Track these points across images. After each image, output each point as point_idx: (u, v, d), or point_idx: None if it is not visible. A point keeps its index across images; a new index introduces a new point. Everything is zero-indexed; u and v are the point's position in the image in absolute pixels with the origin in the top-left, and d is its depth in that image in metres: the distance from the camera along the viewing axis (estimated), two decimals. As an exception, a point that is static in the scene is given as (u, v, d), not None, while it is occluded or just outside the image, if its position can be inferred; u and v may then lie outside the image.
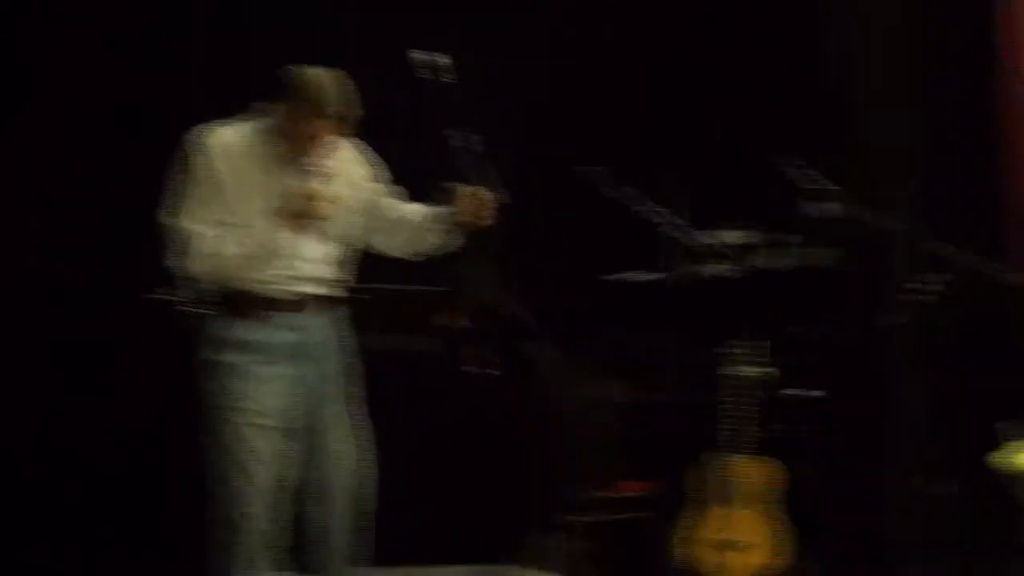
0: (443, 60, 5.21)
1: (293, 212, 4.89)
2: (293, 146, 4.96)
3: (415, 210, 5.37)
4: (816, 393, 6.87)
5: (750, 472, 6.39)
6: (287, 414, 5.04)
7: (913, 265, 5.81)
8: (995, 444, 5.80)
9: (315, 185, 4.94)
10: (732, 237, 7.67)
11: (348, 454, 5.21)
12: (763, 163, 7.64)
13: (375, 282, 5.88)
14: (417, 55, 5.21)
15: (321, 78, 4.91)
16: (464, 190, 5.20)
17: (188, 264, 4.90)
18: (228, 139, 4.96)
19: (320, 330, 5.13)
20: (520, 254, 7.28)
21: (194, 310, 5.79)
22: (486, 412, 7.11)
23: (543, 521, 7.19)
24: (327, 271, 5.12)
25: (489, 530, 7.90)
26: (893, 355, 6.46)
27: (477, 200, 5.17)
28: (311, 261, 5.07)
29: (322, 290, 5.12)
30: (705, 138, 7.75)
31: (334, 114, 4.89)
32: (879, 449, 6.64)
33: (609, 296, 7.70)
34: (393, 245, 5.39)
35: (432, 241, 5.37)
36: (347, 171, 5.22)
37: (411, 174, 5.55)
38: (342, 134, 5.00)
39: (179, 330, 5.72)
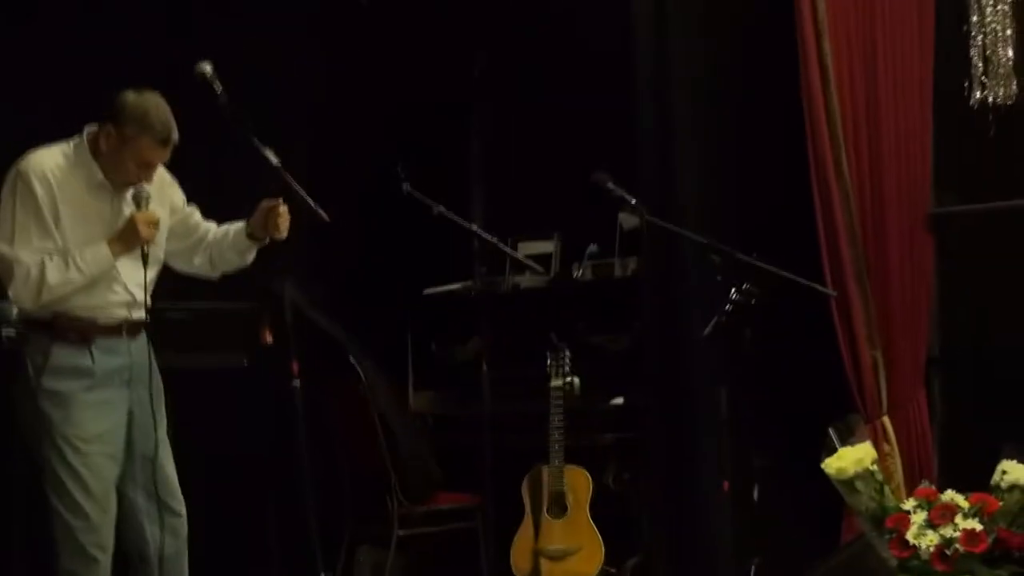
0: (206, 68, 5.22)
1: (129, 236, 4.95)
2: (122, 172, 5.00)
3: (217, 229, 5.44)
4: (618, 401, 7.05)
5: (563, 480, 6.53)
6: (111, 439, 5.04)
7: (720, 276, 5.90)
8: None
9: (144, 210, 5.00)
10: (536, 248, 7.88)
11: (174, 475, 5.26)
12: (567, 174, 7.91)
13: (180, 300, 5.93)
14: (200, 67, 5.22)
15: (147, 101, 4.96)
16: (261, 205, 5.28)
17: (14, 292, 4.87)
18: (53, 164, 4.96)
19: (140, 352, 5.15)
20: (330, 267, 7.42)
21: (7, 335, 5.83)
22: (301, 427, 7.18)
23: (361, 535, 7.29)
24: (141, 295, 5.13)
25: (308, 546, 8.02)
26: (700, 363, 6.68)
27: (272, 213, 5.26)
28: (132, 286, 5.09)
29: (141, 314, 5.13)
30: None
31: (162, 138, 4.95)
32: (682, 454, 6.86)
33: (420, 308, 7.85)
34: (196, 264, 5.44)
35: (232, 260, 5.44)
36: (165, 194, 5.26)
37: (209, 190, 5.64)
38: (165, 157, 5.04)
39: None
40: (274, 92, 7.32)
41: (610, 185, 6.02)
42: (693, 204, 6.81)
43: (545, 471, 6.55)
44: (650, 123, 6.98)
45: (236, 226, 5.40)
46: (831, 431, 6.01)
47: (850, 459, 5.57)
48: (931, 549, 5.32)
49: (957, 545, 5.29)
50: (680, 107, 6.95)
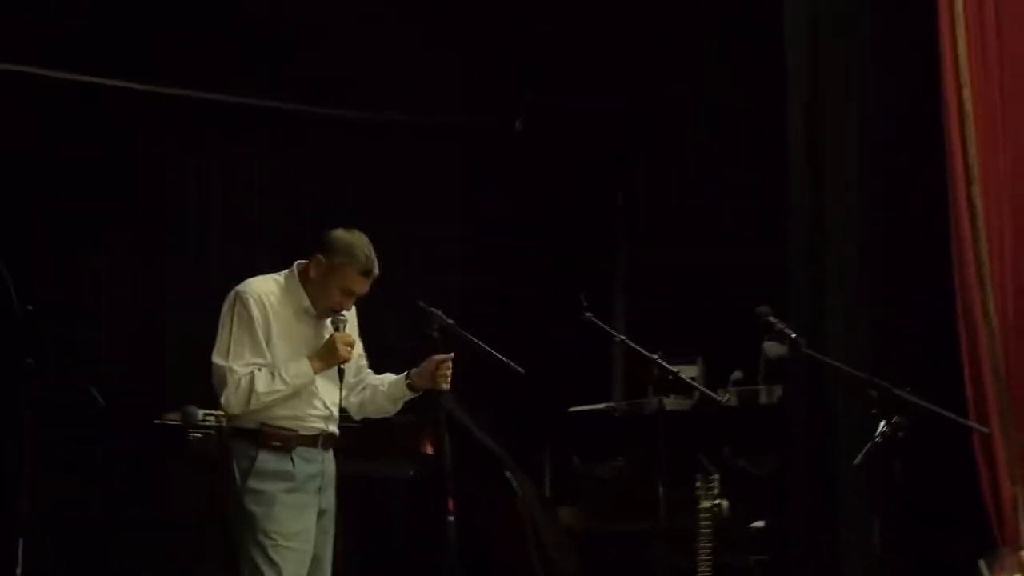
0: None
1: (328, 354, 5.44)
2: (327, 298, 5.52)
3: (374, 376, 5.89)
4: (759, 524, 7.29)
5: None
6: (306, 537, 5.43)
7: (876, 409, 6.15)
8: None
9: (345, 333, 5.51)
10: (688, 370, 8.18)
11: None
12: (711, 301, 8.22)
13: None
14: None
15: (355, 237, 5.55)
16: (432, 358, 5.74)
17: (225, 399, 5.29)
18: (268, 290, 5.51)
19: (330, 462, 5.56)
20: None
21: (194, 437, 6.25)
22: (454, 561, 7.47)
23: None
24: (336, 411, 5.54)
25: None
26: (845, 491, 6.94)
27: (443, 368, 5.73)
28: (328, 402, 5.51)
29: (332, 428, 5.54)
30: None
31: (365, 270, 5.49)
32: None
33: (562, 424, 8.16)
34: (350, 402, 5.85)
35: (384, 407, 5.90)
36: (355, 330, 5.76)
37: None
38: (365, 289, 5.50)
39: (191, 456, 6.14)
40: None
41: (771, 319, 6.30)
42: (842, 336, 7.07)
43: (697, 587, 6.77)
44: (802, 260, 7.30)
45: (394, 377, 5.86)
46: (982, 563, 6.22)
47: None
48: None
49: None
50: (832, 237, 7.27)
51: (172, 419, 6.63)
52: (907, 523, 6.39)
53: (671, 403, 8.06)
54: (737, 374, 7.62)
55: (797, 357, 6.84)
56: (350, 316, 5.72)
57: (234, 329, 5.39)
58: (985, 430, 6.61)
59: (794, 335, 6.30)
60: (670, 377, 6.25)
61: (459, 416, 7.16)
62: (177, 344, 7.83)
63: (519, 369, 5.83)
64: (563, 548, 7.54)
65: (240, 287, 5.48)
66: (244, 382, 5.33)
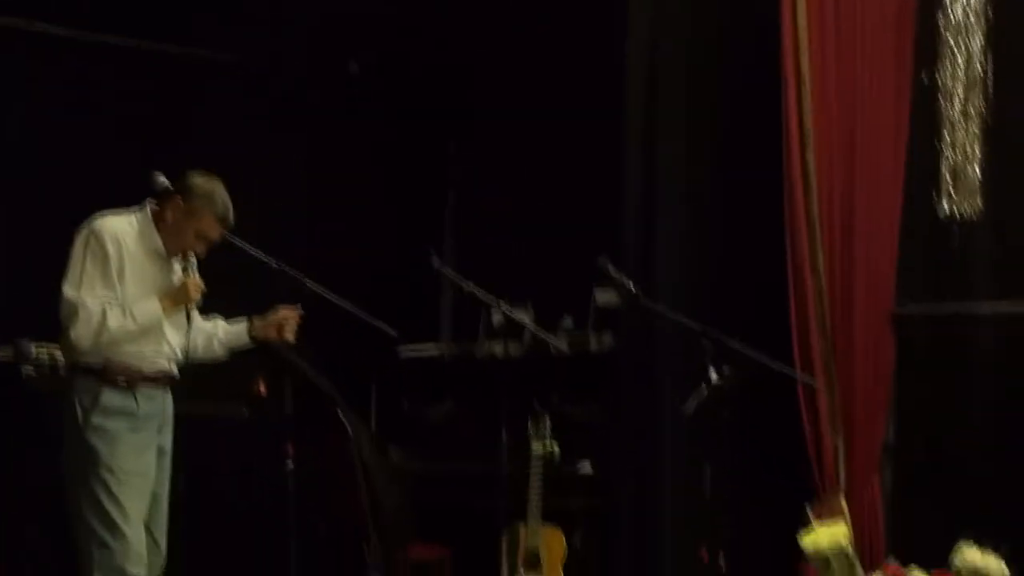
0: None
1: (179, 296, 5.50)
2: (181, 241, 5.55)
3: (203, 321, 5.93)
4: (586, 468, 7.44)
5: (540, 539, 6.91)
6: (147, 474, 5.42)
7: (710, 360, 6.32)
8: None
9: (192, 277, 5.57)
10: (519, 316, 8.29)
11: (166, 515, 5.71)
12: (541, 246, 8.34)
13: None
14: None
15: (216, 185, 5.60)
16: (280, 312, 5.91)
17: (75, 332, 5.24)
18: (123, 230, 5.51)
19: (169, 403, 5.59)
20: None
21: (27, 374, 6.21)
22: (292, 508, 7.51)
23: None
24: (180, 353, 5.56)
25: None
26: (671, 437, 7.13)
27: (292, 321, 5.89)
28: (172, 343, 5.50)
29: (174, 368, 5.57)
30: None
31: (222, 216, 5.58)
32: (646, 522, 7.28)
33: (399, 368, 8.21)
34: (189, 351, 5.83)
35: (216, 352, 5.99)
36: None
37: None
38: (218, 236, 5.52)
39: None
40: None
41: (610, 269, 6.42)
42: (671, 286, 7.22)
43: (522, 529, 6.89)
44: (635, 205, 7.44)
45: (232, 326, 5.94)
46: (807, 507, 6.45)
47: (826, 537, 5.98)
48: (898, 625, 5.76)
49: (923, 622, 5.73)
50: (663, 192, 7.42)
51: (3, 354, 6.52)
52: (735, 470, 6.59)
53: (501, 348, 8.21)
54: (567, 320, 7.72)
55: (630, 306, 6.95)
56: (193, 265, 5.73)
57: (87, 264, 5.38)
58: (814, 383, 6.83)
59: (632, 286, 6.43)
60: (517, 323, 6.29)
61: (292, 356, 7.17)
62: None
63: (391, 331, 6.14)
64: (392, 490, 7.61)
65: (95, 223, 5.47)
66: (96, 317, 5.33)
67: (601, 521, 7.34)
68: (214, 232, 5.56)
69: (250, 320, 5.90)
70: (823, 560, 5.95)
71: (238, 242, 5.72)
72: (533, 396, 6.73)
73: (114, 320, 5.34)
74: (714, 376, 6.42)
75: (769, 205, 7.17)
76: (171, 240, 5.55)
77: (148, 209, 5.58)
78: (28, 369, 6.50)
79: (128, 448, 5.42)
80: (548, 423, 6.94)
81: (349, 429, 7.38)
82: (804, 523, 6.37)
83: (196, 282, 5.57)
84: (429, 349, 8.46)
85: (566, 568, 7.01)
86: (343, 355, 7.92)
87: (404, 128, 9.13)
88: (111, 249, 5.40)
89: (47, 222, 6.43)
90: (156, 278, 5.55)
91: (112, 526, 5.33)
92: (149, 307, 5.44)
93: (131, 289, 5.43)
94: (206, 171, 5.64)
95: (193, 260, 5.61)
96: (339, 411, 7.33)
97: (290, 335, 5.89)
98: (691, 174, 7.44)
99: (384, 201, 9.19)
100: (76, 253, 5.41)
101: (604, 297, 7.84)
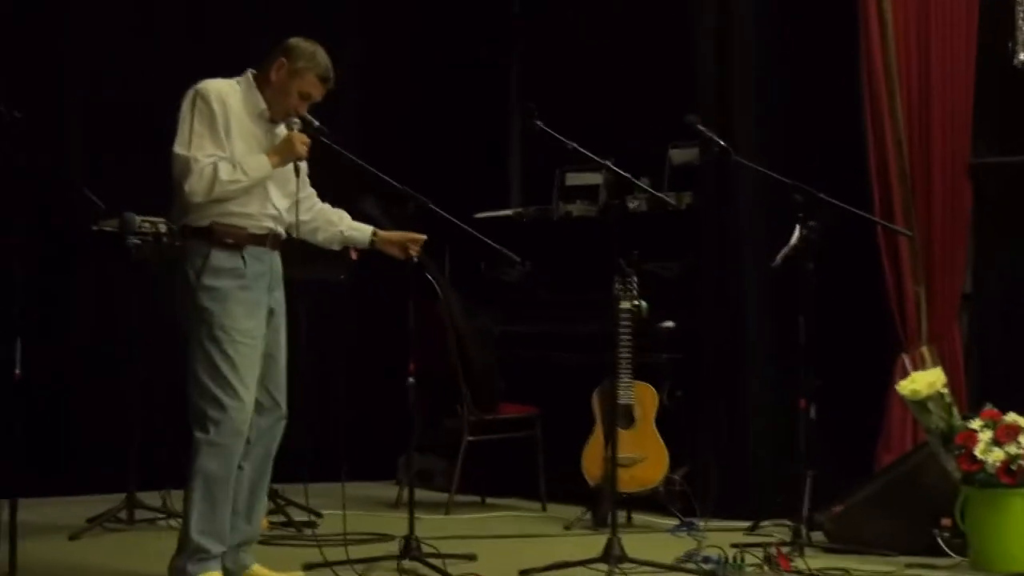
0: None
1: (285, 150, 5.59)
2: (285, 101, 5.62)
3: (332, 210, 5.99)
4: (669, 324, 7.59)
5: (633, 395, 7.09)
6: (258, 334, 5.59)
7: (802, 213, 6.47)
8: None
9: (297, 134, 5.64)
10: (584, 179, 8.43)
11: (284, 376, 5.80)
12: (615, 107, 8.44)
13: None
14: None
15: (317, 46, 5.64)
16: (408, 234, 6.01)
17: (190, 186, 5.42)
18: (228, 91, 5.59)
19: (277, 262, 5.73)
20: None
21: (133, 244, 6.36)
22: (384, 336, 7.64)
23: (428, 442, 7.83)
24: (285, 214, 5.68)
25: (375, 450, 8.55)
26: (752, 291, 7.33)
27: (415, 246, 6.00)
28: (276, 204, 5.68)
29: (280, 229, 5.72)
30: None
31: (325, 75, 5.62)
32: (730, 375, 7.47)
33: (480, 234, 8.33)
34: (311, 231, 5.95)
35: (328, 242, 6.03)
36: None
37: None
38: (321, 95, 5.66)
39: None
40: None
41: (700, 127, 6.53)
42: (746, 143, 7.32)
43: (622, 386, 7.05)
44: (710, 61, 7.57)
45: (359, 227, 5.98)
46: (904, 357, 6.63)
47: (923, 382, 6.14)
48: (998, 464, 5.92)
49: (1022, 461, 5.90)
50: (739, 47, 7.54)
51: (109, 226, 6.67)
52: (821, 322, 6.74)
53: (578, 209, 8.37)
54: (644, 180, 7.81)
55: (719, 163, 7.09)
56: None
57: (195, 123, 5.47)
58: (909, 234, 6.99)
59: (722, 143, 6.54)
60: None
61: (380, 220, 7.30)
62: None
63: (516, 258, 6.38)
64: (483, 348, 7.79)
65: (200, 85, 5.54)
66: (208, 170, 5.42)
67: (690, 375, 7.50)
68: (317, 91, 5.63)
69: (375, 232, 5.99)
70: (921, 404, 6.12)
71: (337, 148, 5.82)
72: (615, 255, 6.81)
73: (225, 173, 5.43)
74: (800, 230, 6.59)
75: (844, 57, 7.32)
76: (276, 100, 5.63)
77: (249, 74, 5.66)
78: (133, 240, 6.65)
79: (239, 307, 5.49)
80: (635, 280, 7.07)
81: (440, 292, 7.56)
82: (890, 373, 6.58)
83: (302, 137, 5.64)
84: (504, 212, 8.60)
85: (658, 422, 7.19)
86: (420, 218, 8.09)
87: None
88: (217, 108, 5.49)
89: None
90: (260, 140, 5.62)
91: (225, 384, 5.42)
92: (258, 161, 5.54)
93: (239, 146, 5.52)
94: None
95: (299, 122, 5.66)
96: (429, 275, 7.49)
97: (414, 254, 6.00)
98: (767, 30, 7.55)
99: (448, 68, 9.32)
100: (184, 114, 5.50)
101: (681, 156, 7.98)
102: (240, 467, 5.52)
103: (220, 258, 5.50)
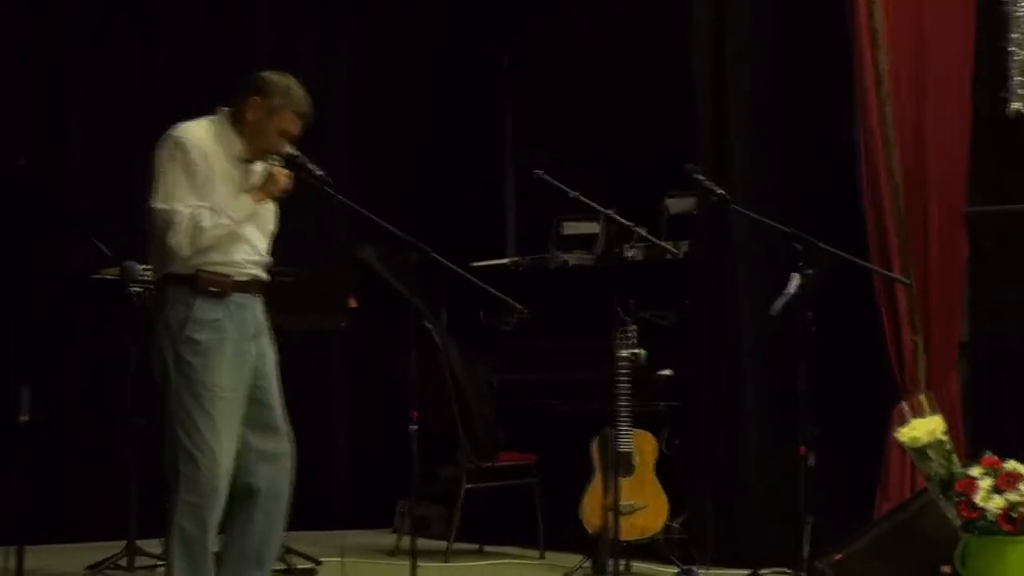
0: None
1: (268, 185, 5.52)
2: (263, 141, 5.53)
3: None
4: (666, 372, 7.62)
5: (632, 443, 7.10)
6: (240, 387, 5.49)
7: (802, 262, 6.49)
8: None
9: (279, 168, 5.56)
10: (581, 228, 8.47)
11: (287, 428, 5.71)
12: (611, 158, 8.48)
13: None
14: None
15: (291, 80, 5.54)
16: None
17: (175, 240, 5.32)
18: (204, 135, 5.47)
19: (261, 310, 5.64)
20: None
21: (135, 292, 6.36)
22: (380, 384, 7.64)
23: (425, 490, 7.81)
24: (266, 257, 5.64)
25: (371, 497, 8.55)
26: (748, 340, 7.36)
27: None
28: (257, 248, 5.60)
29: (263, 274, 5.64)
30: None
31: (302, 111, 5.53)
32: (729, 423, 7.48)
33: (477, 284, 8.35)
34: None
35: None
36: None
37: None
38: (299, 131, 5.58)
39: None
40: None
41: (699, 176, 6.57)
42: (743, 191, 7.34)
43: (613, 434, 7.06)
44: (706, 111, 7.60)
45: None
46: (903, 404, 6.65)
47: (923, 430, 6.13)
48: (998, 511, 5.92)
49: (1022, 508, 5.91)
50: (733, 96, 7.57)
51: (111, 274, 6.68)
52: (819, 370, 6.76)
53: (575, 258, 8.40)
54: (640, 230, 7.84)
55: (718, 211, 7.14)
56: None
57: (175, 174, 5.36)
58: (907, 281, 7.02)
59: (719, 191, 6.57)
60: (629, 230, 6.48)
61: (379, 269, 7.34)
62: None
63: (519, 308, 6.53)
64: (482, 397, 7.81)
65: (176, 132, 5.42)
66: (188, 221, 5.31)
67: (689, 423, 7.52)
68: (295, 128, 5.52)
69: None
70: (921, 452, 6.13)
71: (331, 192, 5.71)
72: (614, 304, 6.83)
73: (207, 220, 5.33)
74: (799, 279, 6.61)
75: (840, 105, 7.38)
76: (254, 141, 5.51)
77: (225, 113, 5.53)
78: (134, 288, 6.67)
79: (222, 361, 5.39)
80: (634, 329, 7.09)
81: (438, 341, 7.57)
82: (887, 420, 6.56)
83: (284, 170, 5.53)
84: (502, 261, 8.65)
85: (657, 470, 7.20)
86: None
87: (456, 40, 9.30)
88: (196, 156, 5.37)
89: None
90: (237, 183, 5.49)
91: (201, 442, 5.32)
92: (240, 202, 5.44)
93: (220, 192, 5.41)
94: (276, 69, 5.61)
95: (278, 159, 5.55)
96: (427, 323, 7.51)
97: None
98: (761, 79, 7.59)
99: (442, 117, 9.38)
100: (162, 163, 5.38)
101: (678, 206, 8.03)
102: (240, 522, 5.49)
103: (204, 309, 5.41)
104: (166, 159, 5.39)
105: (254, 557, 5.56)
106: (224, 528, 5.53)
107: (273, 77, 5.53)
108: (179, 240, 5.33)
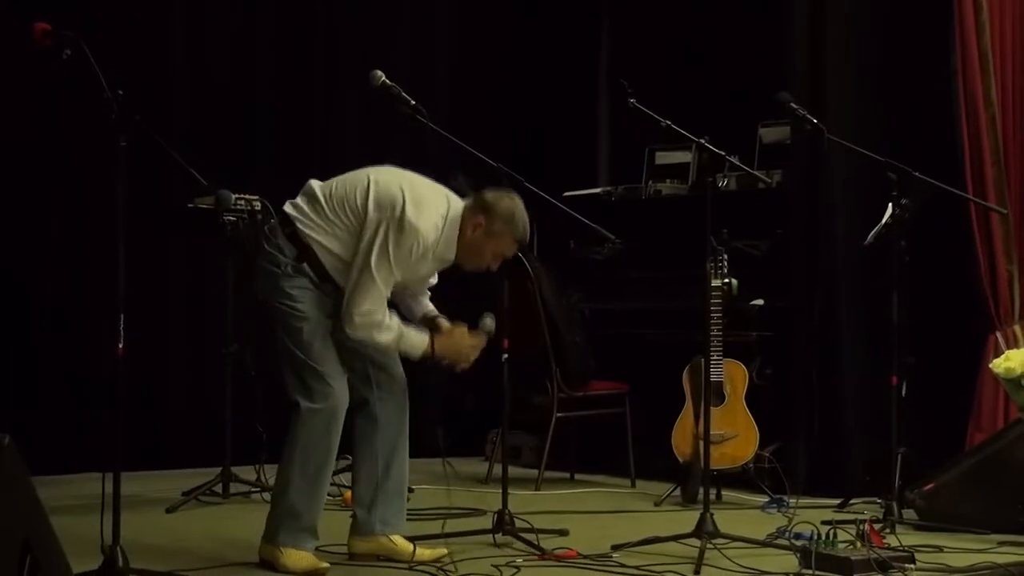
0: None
1: (448, 349, 5.56)
2: (478, 259, 5.56)
3: (419, 307, 5.80)
4: (758, 302, 7.61)
5: (723, 372, 7.10)
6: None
7: (896, 191, 6.44)
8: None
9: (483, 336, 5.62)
10: (673, 157, 8.45)
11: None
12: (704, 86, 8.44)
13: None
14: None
15: (517, 204, 5.52)
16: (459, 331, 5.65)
17: (369, 304, 5.34)
18: (430, 234, 5.39)
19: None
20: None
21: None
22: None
23: (517, 418, 7.85)
24: None
25: (464, 426, 8.64)
26: (841, 269, 7.33)
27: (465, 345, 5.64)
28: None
29: None
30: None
31: (521, 238, 5.55)
32: (820, 352, 7.45)
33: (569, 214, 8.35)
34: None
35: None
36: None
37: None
38: (513, 253, 5.63)
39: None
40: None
41: (793, 104, 6.51)
42: (836, 120, 7.26)
43: (704, 363, 7.04)
44: (803, 37, 7.56)
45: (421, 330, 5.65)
46: (997, 335, 6.60)
47: (1018, 360, 6.11)
48: (1091, 442, 5.93)
49: (1115, 439, 5.90)
50: (833, 23, 7.51)
51: (205, 203, 6.74)
52: (913, 301, 6.74)
53: (668, 187, 8.38)
54: (733, 159, 7.81)
55: (800, 142, 7.11)
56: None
57: (395, 252, 5.33)
58: (1004, 211, 6.97)
59: (815, 121, 6.51)
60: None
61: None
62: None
63: (611, 237, 6.48)
64: (573, 326, 7.83)
65: (409, 215, 5.33)
66: (376, 318, 5.35)
67: (780, 353, 7.51)
68: (511, 251, 5.56)
69: (433, 335, 5.57)
70: (1015, 382, 6.10)
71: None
72: (707, 234, 6.81)
73: (384, 337, 5.38)
74: (893, 209, 6.57)
75: (939, 34, 7.30)
76: (467, 256, 5.52)
77: (457, 219, 5.49)
78: (228, 217, 6.74)
79: (316, 303, 5.44)
80: (725, 258, 7.07)
81: (531, 270, 7.59)
82: (981, 351, 6.51)
83: (475, 340, 5.59)
84: (594, 190, 8.64)
85: (747, 399, 7.20)
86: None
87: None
88: (413, 248, 5.35)
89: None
90: (428, 272, 5.60)
91: (321, 359, 5.37)
92: (420, 340, 5.48)
93: (419, 271, 5.49)
94: (499, 189, 5.59)
95: (492, 327, 5.64)
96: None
97: (466, 364, 5.65)
98: (855, 5, 7.53)
99: (537, 47, 9.37)
100: (383, 231, 5.34)
101: (772, 135, 7.98)
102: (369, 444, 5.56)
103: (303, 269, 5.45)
104: (391, 231, 5.34)
105: (380, 479, 5.62)
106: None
107: (501, 200, 5.49)
108: (363, 320, 5.35)
